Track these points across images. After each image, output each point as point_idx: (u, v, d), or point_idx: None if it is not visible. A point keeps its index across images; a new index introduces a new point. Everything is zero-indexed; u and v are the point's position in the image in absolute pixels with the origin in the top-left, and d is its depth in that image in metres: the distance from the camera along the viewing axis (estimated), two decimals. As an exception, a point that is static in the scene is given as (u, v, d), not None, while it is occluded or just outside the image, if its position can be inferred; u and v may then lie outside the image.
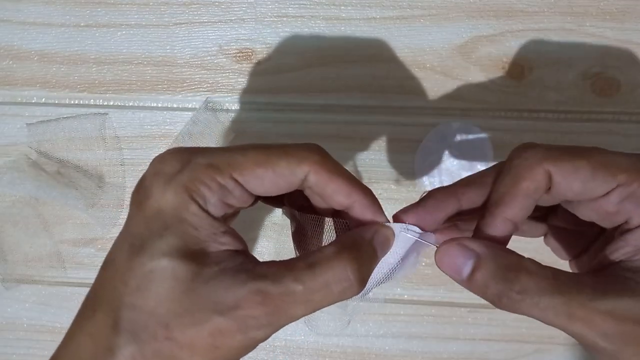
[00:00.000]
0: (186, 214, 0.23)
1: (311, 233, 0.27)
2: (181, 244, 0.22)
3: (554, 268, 0.23)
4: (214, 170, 0.23)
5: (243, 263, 0.23)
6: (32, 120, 0.45)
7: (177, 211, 0.23)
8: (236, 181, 0.24)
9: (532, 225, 0.30)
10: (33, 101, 0.45)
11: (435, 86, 0.42)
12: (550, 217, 0.30)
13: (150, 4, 0.44)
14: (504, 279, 0.23)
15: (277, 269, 0.23)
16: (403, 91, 0.43)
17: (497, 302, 0.23)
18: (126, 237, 0.24)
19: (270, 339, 0.47)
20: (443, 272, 0.25)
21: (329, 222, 0.27)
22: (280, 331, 0.46)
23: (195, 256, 0.22)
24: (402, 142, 0.43)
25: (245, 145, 0.25)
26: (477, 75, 0.42)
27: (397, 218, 0.26)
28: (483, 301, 0.43)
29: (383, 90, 0.43)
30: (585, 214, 0.26)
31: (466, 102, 0.42)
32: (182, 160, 0.24)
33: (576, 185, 0.24)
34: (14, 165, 0.45)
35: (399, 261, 0.26)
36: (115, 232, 0.45)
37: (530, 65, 0.42)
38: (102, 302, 0.23)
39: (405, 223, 0.26)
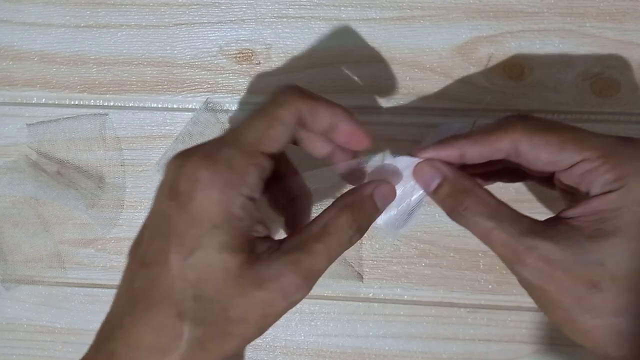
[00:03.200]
0: (234, 208, 0.26)
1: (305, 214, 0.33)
2: (229, 238, 0.26)
3: (505, 204, 0.28)
4: (246, 155, 0.26)
5: (271, 246, 0.27)
6: (33, 120, 0.45)
7: (225, 208, 0.26)
8: (264, 153, 0.27)
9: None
10: (33, 102, 0.45)
11: (435, 86, 0.42)
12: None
13: (151, 4, 0.44)
14: (456, 197, 0.29)
15: (299, 240, 0.27)
16: (403, 92, 0.43)
17: (449, 214, 0.29)
18: (171, 238, 0.26)
19: (270, 339, 0.47)
20: (417, 182, 0.31)
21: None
22: (280, 331, 0.47)
23: (240, 247, 0.26)
24: (402, 143, 0.43)
25: (242, 123, 0.28)
26: (477, 76, 0.42)
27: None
28: (483, 302, 0.43)
29: (383, 91, 0.43)
30: (555, 178, 0.30)
31: (466, 103, 0.42)
32: (215, 160, 0.26)
33: (544, 157, 0.28)
34: (14, 166, 0.45)
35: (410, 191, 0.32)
36: (115, 232, 0.45)
37: (530, 66, 0.42)
38: (158, 299, 0.26)
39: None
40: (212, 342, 0.25)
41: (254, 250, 0.26)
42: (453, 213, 0.29)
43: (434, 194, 0.30)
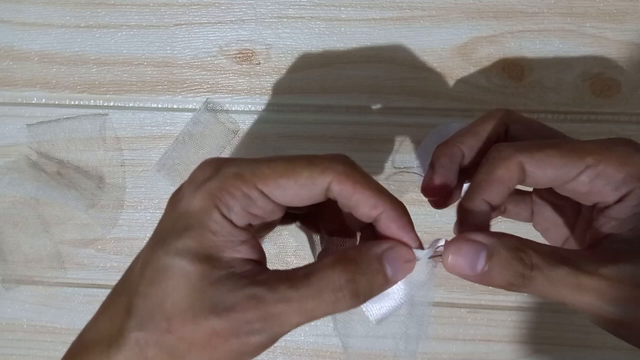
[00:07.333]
0: (207, 219, 0.24)
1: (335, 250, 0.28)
2: (196, 245, 0.24)
3: (552, 246, 0.25)
4: (239, 179, 0.24)
5: (250, 270, 0.24)
6: (33, 120, 0.45)
7: (200, 215, 0.24)
8: (260, 191, 0.24)
9: (518, 206, 0.33)
10: (33, 102, 0.45)
11: (435, 87, 0.42)
12: (535, 191, 0.33)
13: (151, 4, 0.44)
14: (518, 259, 0.24)
15: (276, 277, 0.23)
16: (403, 92, 0.43)
17: (514, 283, 0.24)
18: (154, 232, 0.26)
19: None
20: (454, 273, 0.25)
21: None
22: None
23: (207, 259, 0.24)
24: (402, 143, 0.43)
25: (274, 157, 0.25)
26: (477, 76, 0.42)
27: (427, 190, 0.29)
28: (483, 302, 0.43)
29: (383, 91, 0.43)
30: (563, 193, 0.28)
31: (466, 103, 0.42)
32: (213, 168, 0.25)
33: (550, 172, 0.26)
34: (14, 166, 0.45)
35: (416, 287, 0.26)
36: (115, 232, 0.45)
37: (530, 66, 0.42)
38: (124, 288, 0.25)
39: (425, 248, 0.25)
40: (152, 352, 0.23)
41: (228, 269, 0.23)
42: (519, 280, 0.24)
43: (485, 273, 0.24)
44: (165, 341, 0.23)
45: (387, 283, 0.24)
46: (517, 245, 0.24)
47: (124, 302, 0.24)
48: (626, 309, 0.24)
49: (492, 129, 0.29)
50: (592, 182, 0.26)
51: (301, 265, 0.24)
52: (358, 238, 0.29)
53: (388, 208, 0.25)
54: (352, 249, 0.25)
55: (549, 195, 0.31)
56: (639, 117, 0.41)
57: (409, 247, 0.25)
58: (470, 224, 0.26)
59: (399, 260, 0.24)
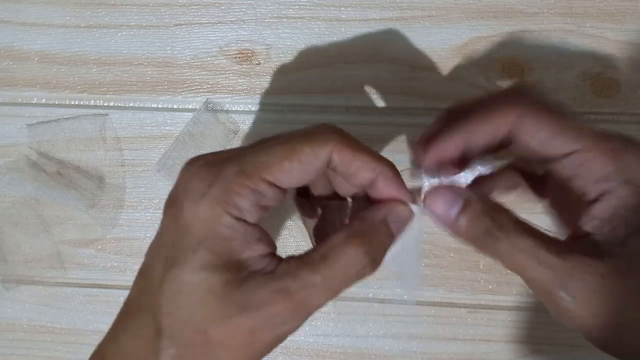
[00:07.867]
0: (220, 227, 0.24)
1: (339, 220, 0.28)
2: (214, 257, 0.24)
3: (531, 224, 0.26)
4: (244, 176, 0.24)
5: (268, 264, 0.24)
6: (33, 121, 0.45)
7: (210, 225, 0.24)
8: (267, 181, 0.24)
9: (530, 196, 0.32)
10: (33, 102, 0.45)
11: (435, 87, 0.42)
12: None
13: (151, 4, 0.44)
14: (489, 216, 0.25)
15: (295, 266, 0.24)
16: (403, 92, 0.43)
17: (479, 238, 0.25)
18: (160, 248, 0.25)
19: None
20: (432, 214, 0.26)
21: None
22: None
23: (227, 267, 0.24)
24: (402, 143, 0.43)
25: (268, 140, 0.25)
26: (477, 76, 0.42)
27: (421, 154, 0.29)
28: (483, 302, 0.43)
29: (383, 91, 0.43)
30: (549, 169, 0.28)
31: (466, 103, 0.42)
32: (212, 173, 0.24)
33: (542, 135, 0.25)
34: (13, 166, 0.45)
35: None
36: (115, 232, 0.45)
37: (530, 66, 0.42)
38: (143, 309, 0.25)
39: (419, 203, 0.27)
40: None
41: (247, 269, 0.24)
42: (485, 236, 0.25)
43: (457, 220, 0.26)
44: (203, 351, 0.24)
45: (394, 239, 0.26)
46: (494, 206, 0.25)
47: (148, 322, 0.24)
48: (582, 302, 0.24)
49: (505, 123, 0.27)
50: (577, 168, 0.25)
51: (311, 249, 0.25)
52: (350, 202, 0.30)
53: (385, 169, 0.25)
54: (356, 222, 0.26)
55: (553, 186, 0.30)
56: (639, 117, 0.41)
57: (405, 203, 0.26)
58: (435, 149, 0.27)
59: (401, 219, 0.26)
